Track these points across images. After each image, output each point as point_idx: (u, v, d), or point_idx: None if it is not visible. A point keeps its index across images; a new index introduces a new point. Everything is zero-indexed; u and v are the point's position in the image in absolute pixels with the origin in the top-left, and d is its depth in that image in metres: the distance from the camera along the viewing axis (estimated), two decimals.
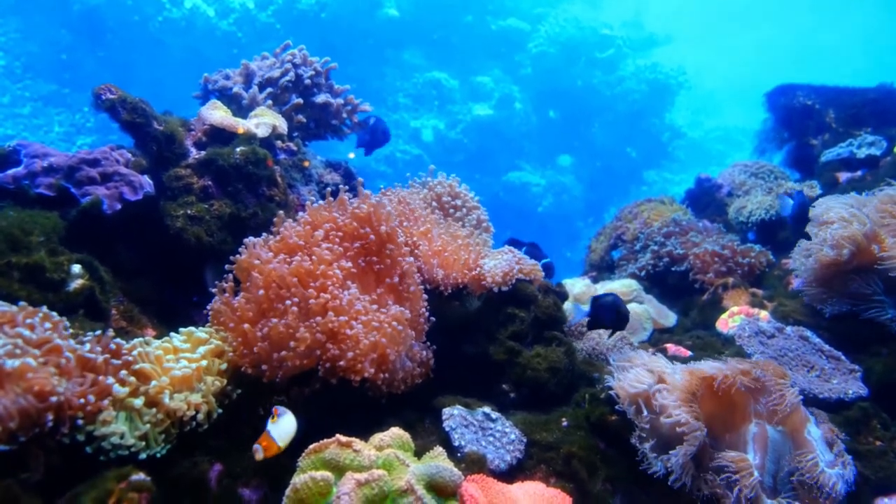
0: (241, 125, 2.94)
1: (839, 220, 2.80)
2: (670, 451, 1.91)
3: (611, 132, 16.62)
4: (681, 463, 1.87)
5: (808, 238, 2.91)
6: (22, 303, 1.79)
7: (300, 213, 2.49)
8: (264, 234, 2.39)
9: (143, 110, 2.69)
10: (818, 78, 5.10)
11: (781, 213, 2.75)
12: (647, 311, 3.47)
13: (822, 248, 2.79)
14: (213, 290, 2.29)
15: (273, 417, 1.80)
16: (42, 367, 1.60)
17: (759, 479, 1.86)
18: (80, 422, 1.66)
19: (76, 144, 12.75)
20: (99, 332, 1.89)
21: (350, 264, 2.28)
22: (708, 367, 2.07)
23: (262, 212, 2.81)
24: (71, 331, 1.83)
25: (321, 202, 2.50)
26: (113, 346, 1.86)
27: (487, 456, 2.02)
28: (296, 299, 2.09)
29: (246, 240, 2.33)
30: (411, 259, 2.48)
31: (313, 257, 2.19)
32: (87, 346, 1.79)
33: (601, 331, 3.09)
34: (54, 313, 1.82)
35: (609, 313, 2.43)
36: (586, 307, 2.48)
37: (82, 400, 1.65)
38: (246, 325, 2.08)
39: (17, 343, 1.61)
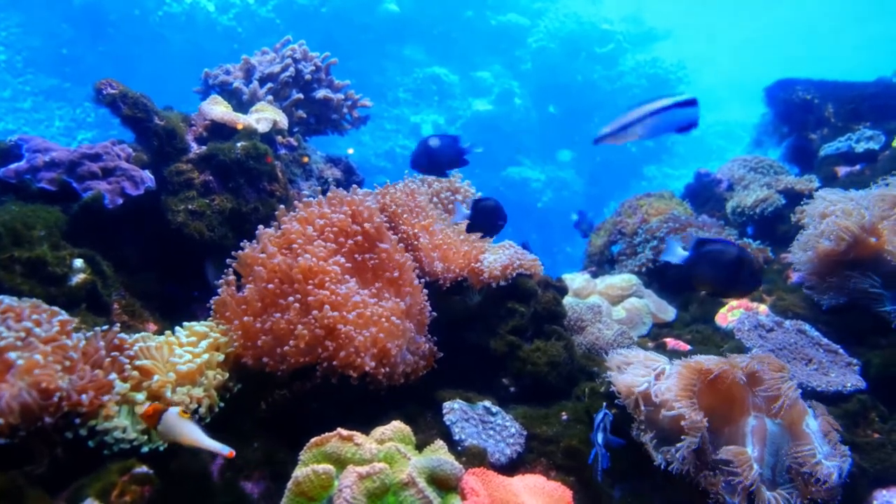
0: (242, 120, 2.94)
1: (839, 211, 2.81)
2: (674, 444, 1.93)
3: None
4: (684, 455, 1.89)
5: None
6: (32, 298, 1.80)
7: (293, 212, 2.50)
8: (271, 228, 2.41)
9: (143, 105, 2.69)
10: (818, 72, 5.10)
11: (664, 257, 2.38)
12: (646, 305, 3.48)
13: (820, 239, 2.80)
14: (217, 283, 2.30)
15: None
16: (48, 362, 1.61)
17: (760, 472, 1.87)
18: (78, 420, 1.67)
19: (77, 139, 12.74)
20: (106, 327, 1.90)
21: (344, 259, 2.29)
22: (706, 360, 2.08)
23: (262, 207, 2.82)
24: (74, 325, 1.84)
25: (310, 199, 2.50)
26: (117, 341, 1.87)
27: (488, 449, 2.03)
28: (297, 295, 2.10)
29: (259, 230, 2.34)
30: (409, 254, 2.49)
31: (307, 255, 2.20)
32: (92, 341, 1.80)
33: (601, 325, 3.10)
34: (63, 312, 1.83)
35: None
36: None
37: (85, 396, 1.66)
38: (248, 318, 2.09)
39: (21, 336, 1.63)
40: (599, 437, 1.93)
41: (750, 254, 2.32)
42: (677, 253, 2.33)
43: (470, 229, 2.71)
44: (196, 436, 1.62)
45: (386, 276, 2.37)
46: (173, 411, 1.63)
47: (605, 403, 2.08)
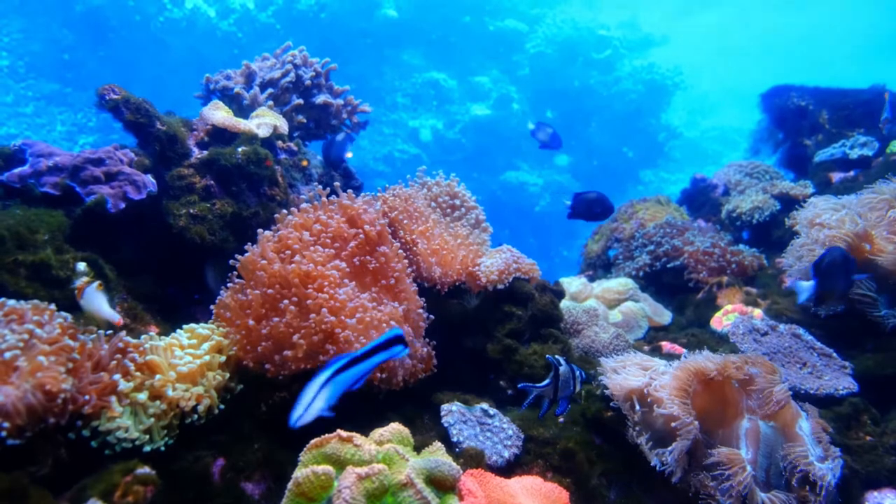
0: (243, 125, 2.97)
1: (833, 221, 2.85)
2: (668, 445, 1.95)
3: (607, 132, 16.65)
4: (676, 457, 1.91)
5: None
6: (35, 301, 1.82)
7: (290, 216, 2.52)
8: (269, 231, 2.43)
9: (146, 110, 2.72)
10: (813, 79, 5.15)
11: (802, 300, 2.67)
12: (642, 309, 3.51)
13: (814, 248, 2.83)
14: (219, 287, 2.32)
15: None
16: (52, 364, 1.64)
17: (753, 474, 1.89)
18: (80, 421, 1.69)
19: (78, 144, 12.77)
20: (111, 330, 1.93)
21: (344, 264, 2.31)
22: (702, 359, 2.10)
23: (263, 211, 2.84)
24: (80, 329, 1.87)
25: (306, 205, 2.52)
26: (121, 344, 1.89)
27: (485, 451, 2.05)
28: (295, 299, 2.12)
29: (260, 232, 2.35)
30: (406, 260, 2.52)
31: (303, 260, 2.22)
32: (97, 343, 1.83)
33: (597, 329, 3.13)
34: (66, 315, 1.86)
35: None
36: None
37: (88, 397, 1.68)
38: (251, 322, 2.12)
39: (24, 339, 1.65)
40: (544, 383, 2.05)
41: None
42: (806, 288, 2.58)
43: (571, 216, 3.07)
44: (98, 306, 2.03)
45: (382, 282, 2.39)
46: (94, 284, 2.04)
47: (563, 359, 2.15)
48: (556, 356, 2.09)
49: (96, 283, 2.06)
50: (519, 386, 2.07)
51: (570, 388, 2.07)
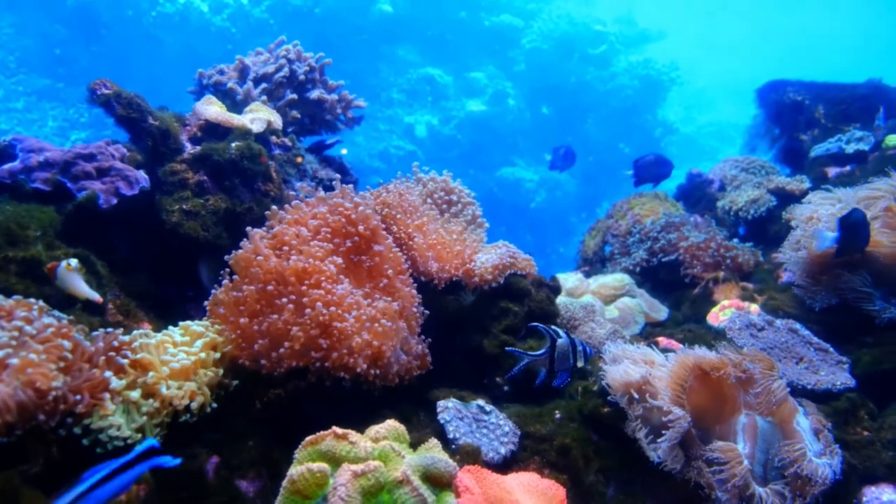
0: (237, 120, 2.95)
1: (827, 214, 2.84)
2: (659, 439, 1.95)
3: (604, 128, 16.64)
4: (667, 448, 1.91)
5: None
6: (18, 297, 1.80)
7: (281, 212, 2.49)
8: (262, 229, 2.41)
9: (138, 105, 2.69)
10: (809, 74, 5.14)
11: (820, 248, 2.76)
12: (639, 304, 3.50)
13: (811, 240, 2.83)
14: (212, 284, 2.30)
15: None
16: (43, 362, 1.61)
17: (749, 468, 1.89)
18: (71, 419, 1.67)
19: (70, 139, 12.69)
20: (110, 329, 1.91)
21: (340, 260, 2.29)
22: (699, 354, 2.09)
23: (257, 207, 2.82)
24: (75, 328, 1.84)
25: (297, 202, 2.50)
26: (116, 342, 1.87)
27: (482, 448, 2.04)
28: (293, 296, 2.10)
29: (249, 230, 2.33)
30: (402, 255, 2.50)
31: (300, 256, 2.20)
32: (93, 342, 1.81)
33: (594, 324, 3.12)
34: (60, 314, 1.84)
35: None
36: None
37: (80, 396, 1.66)
38: (244, 320, 2.10)
39: (14, 336, 1.63)
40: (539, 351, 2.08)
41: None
42: (829, 238, 2.69)
43: (637, 183, 3.35)
44: (75, 285, 2.07)
45: (380, 283, 2.37)
46: (62, 265, 2.05)
47: (564, 331, 2.15)
48: (554, 327, 2.07)
49: (65, 263, 2.05)
50: (506, 349, 2.04)
51: (570, 361, 2.03)
